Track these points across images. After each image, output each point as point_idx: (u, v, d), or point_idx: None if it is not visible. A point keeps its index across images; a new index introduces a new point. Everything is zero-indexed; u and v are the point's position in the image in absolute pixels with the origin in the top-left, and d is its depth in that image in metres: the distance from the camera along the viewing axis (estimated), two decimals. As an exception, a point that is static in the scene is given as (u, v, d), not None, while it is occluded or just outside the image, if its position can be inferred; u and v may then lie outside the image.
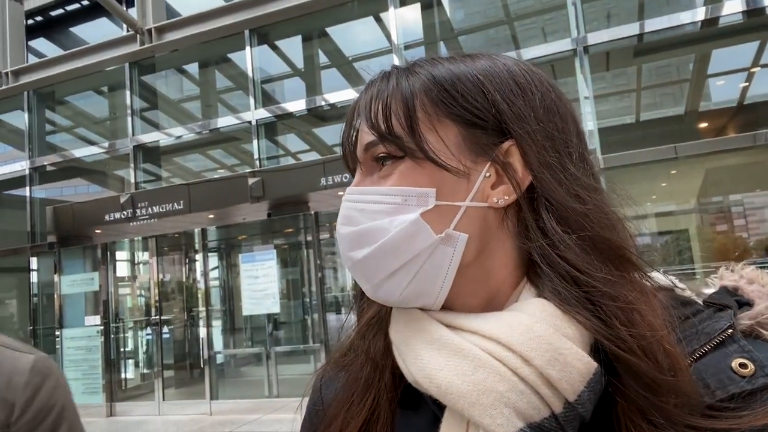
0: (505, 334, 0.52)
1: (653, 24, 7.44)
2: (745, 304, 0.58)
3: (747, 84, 8.40)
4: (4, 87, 10.42)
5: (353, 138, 0.65)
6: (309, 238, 8.97)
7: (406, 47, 8.86)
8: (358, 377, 0.66)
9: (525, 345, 0.50)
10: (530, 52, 7.89)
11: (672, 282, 0.62)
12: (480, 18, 9.91)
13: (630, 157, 7.27)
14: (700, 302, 0.60)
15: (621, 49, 8.01)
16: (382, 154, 0.60)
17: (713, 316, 0.56)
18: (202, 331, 9.03)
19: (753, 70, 8.14)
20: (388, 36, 9.12)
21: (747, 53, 7.94)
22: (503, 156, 0.58)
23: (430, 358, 0.56)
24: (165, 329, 9.67)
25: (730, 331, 0.54)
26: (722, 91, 9.09)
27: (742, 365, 0.51)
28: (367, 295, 0.63)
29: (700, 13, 7.25)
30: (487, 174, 0.58)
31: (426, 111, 0.59)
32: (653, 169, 7.67)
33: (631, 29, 7.57)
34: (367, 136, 0.61)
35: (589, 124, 7.55)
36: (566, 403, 0.49)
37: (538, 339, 0.50)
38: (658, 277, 0.61)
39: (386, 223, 0.58)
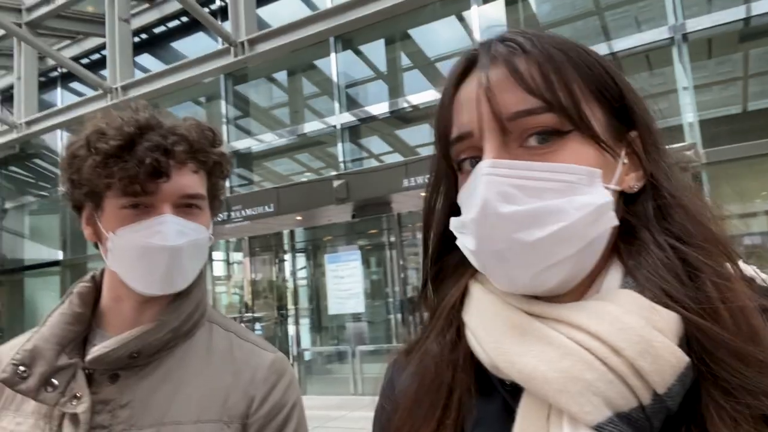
0: (594, 323, 0.52)
1: (761, 6, 6.82)
2: None
3: None
4: (114, 101, 11.39)
5: (470, 98, 0.59)
6: (392, 238, 9.06)
7: (489, 45, 8.71)
8: (430, 364, 0.66)
9: (615, 335, 0.50)
10: (622, 43, 7.51)
11: (756, 272, 0.60)
12: (568, 10, 9.55)
13: (736, 150, 6.71)
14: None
15: (724, 35, 7.41)
16: (542, 126, 0.56)
17: None
18: (291, 329, 9.38)
19: None
20: (470, 34, 9.03)
21: None
22: (634, 144, 0.61)
23: (512, 343, 0.55)
24: (257, 326, 10.14)
25: None
26: None
27: None
28: (507, 284, 0.58)
29: (818, -10, 6.56)
30: (625, 161, 0.60)
31: (579, 86, 0.58)
32: (763, 163, 7.02)
33: (736, 13, 6.99)
34: (520, 102, 0.56)
35: (689, 115, 7.05)
36: (655, 394, 0.49)
37: (629, 330, 0.50)
38: (743, 266, 0.60)
39: (563, 204, 0.54)
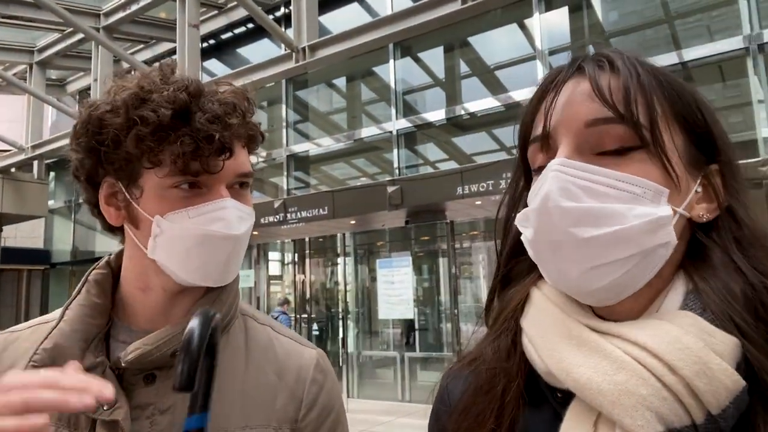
0: (652, 341, 0.53)
1: None
2: None
3: None
4: (183, 103, 11.85)
5: (553, 104, 0.63)
6: (444, 246, 9.01)
7: (551, 53, 8.55)
8: (484, 370, 0.68)
9: (672, 354, 0.51)
10: (693, 52, 7.21)
11: None
12: (636, 18, 9.23)
13: (816, 168, 6.29)
14: None
15: (806, 45, 6.98)
16: (615, 137, 0.59)
17: None
18: (341, 332, 9.48)
19: None
20: (531, 42, 8.88)
21: None
22: (711, 176, 0.62)
23: (569, 352, 0.58)
24: (313, 326, 10.30)
25: None
26: None
27: None
28: (557, 277, 0.61)
29: None
30: (698, 189, 0.61)
31: (663, 109, 0.60)
32: None
33: (820, 22, 6.57)
34: (597, 111, 0.59)
35: (764, 130, 6.67)
36: (708, 415, 0.50)
37: (687, 350, 0.51)
38: None
39: (623, 210, 0.56)
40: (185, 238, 0.82)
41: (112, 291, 0.90)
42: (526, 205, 0.68)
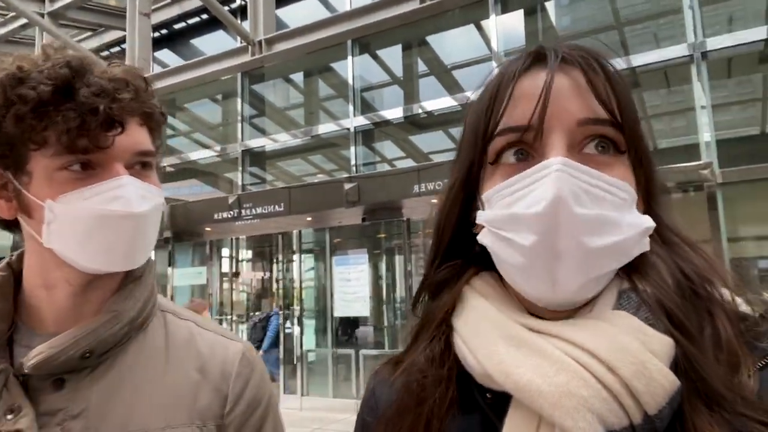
0: (590, 341, 0.52)
1: (784, 27, 6.76)
2: None
3: None
4: (133, 95, 11.47)
5: (542, 95, 0.58)
6: (400, 243, 9.06)
7: (506, 54, 8.71)
8: (415, 378, 0.66)
9: (611, 354, 0.51)
10: (641, 58, 7.47)
11: (730, 296, 0.61)
12: (587, 23, 9.52)
13: (753, 171, 6.64)
14: (757, 317, 0.59)
15: (745, 55, 7.35)
16: (604, 139, 0.57)
17: None
18: (296, 330, 9.39)
19: None
20: (488, 43, 9.02)
21: None
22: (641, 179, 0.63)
23: (507, 354, 0.56)
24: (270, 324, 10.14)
25: None
26: None
27: None
28: (549, 287, 0.55)
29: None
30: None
31: (635, 115, 0.61)
32: (780, 186, 6.95)
33: (757, 34, 6.92)
34: (591, 110, 0.57)
35: (705, 135, 7.00)
36: (645, 415, 0.50)
37: (624, 350, 0.51)
38: (738, 301, 0.61)
39: (617, 218, 0.54)
40: (81, 221, 0.76)
41: (15, 293, 0.84)
42: (475, 203, 0.65)
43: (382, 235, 9.81)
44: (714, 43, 7.12)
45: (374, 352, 9.16)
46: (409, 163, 10.55)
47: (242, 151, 10.92)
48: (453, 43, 10.05)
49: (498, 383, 0.55)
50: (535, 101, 0.57)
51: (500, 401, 0.57)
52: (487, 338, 0.59)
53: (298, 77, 11.68)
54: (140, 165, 0.83)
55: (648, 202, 0.63)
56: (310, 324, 9.94)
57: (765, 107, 8.26)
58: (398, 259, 9.38)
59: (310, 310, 10.17)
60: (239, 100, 11.18)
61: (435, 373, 0.64)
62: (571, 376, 0.51)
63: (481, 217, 0.61)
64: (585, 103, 0.57)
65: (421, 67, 10.37)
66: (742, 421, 0.49)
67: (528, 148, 0.59)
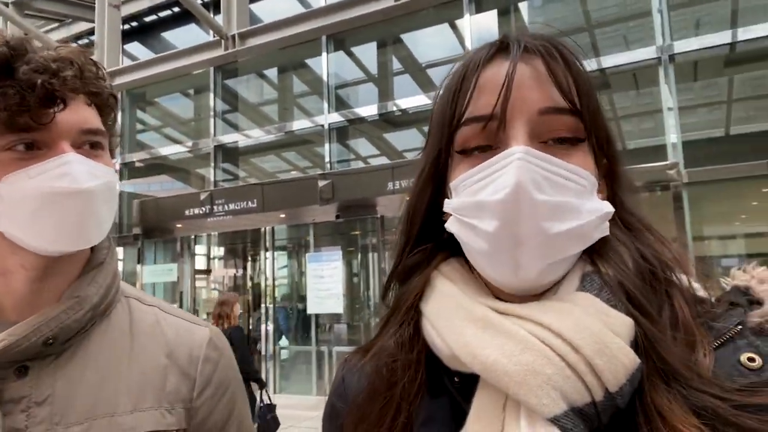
0: (555, 321, 0.54)
1: (747, 32, 6.97)
2: (755, 302, 0.59)
3: None
4: (102, 88, 11.21)
5: (505, 84, 0.59)
6: (374, 241, 9.07)
7: (481, 54, 8.77)
8: (384, 364, 0.67)
9: (575, 334, 0.52)
10: (611, 60, 7.62)
11: (688, 280, 0.64)
12: (559, 24, 9.66)
13: (717, 172, 6.84)
14: (713, 300, 0.62)
15: (710, 59, 7.56)
16: (566, 127, 0.59)
17: (725, 314, 0.58)
18: (269, 327, 9.33)
19: None
20: (462, 42, 9.08)
21: None
22: (605, 166, 0.64)
23: (474, 335, 0.57)
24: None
25: (740, 327, 0.56)
26: (825, 105, 8.35)
27: (750, 359, 0.54)
28: (512, 273, 0.57)
29: (802, 21, 6.73)
30: (599, 180, 0.62)
31: (595, 102, 0.62)
32: (743, 186, 7.17)
33: (723, 37, 7.13)
34: (552, 99, 0.59)
35: (672, 136, 7.18)
36: (607, 392, 0.51)
37: (587, 330, 0.52)
38: (696, 286, 0.64)
39: (577, 204, 0.56)
40: (28, 200, 0.76)
41: None
42: (443, 191, 0.66)
43: (357, 233, 9.80)
44: (681, 46, 7.30)
45: (348, 348, 9.15)
46: (383, 160, 10.56)
47: (215, 146, 10.77)
48: (428, 42, 10.09)
49: (465, 364, 0.57)
50: (498, 91, 0.59)
51: (468, 384, 0.58)
52: (454, 321, 0.60)
53: (272, 73, 11.57)
54: (89, 145, 0.83)
55: (612, 188, 0.65)
56: (283, 321, 9.88)
57: (729, 110, 8.52)
58: (372, 257, 9.38)
59: (284, 307, 10.11)
60: (212, 95, 11.02)
61: (404, 357, 0.65)
62: (535, 356, 0.52)
63: (448, 205, 0.63)
64: (546, 92, 0.59)
65: (396, 65, 10.39)
66: (698, 397, 0.51)
67: (492, 137, 0.60)
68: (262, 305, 9.86)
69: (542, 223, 0.54)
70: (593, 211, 0.57)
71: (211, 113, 10.97)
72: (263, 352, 9.42)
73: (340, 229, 9.78)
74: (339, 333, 9.63)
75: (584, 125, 0.59)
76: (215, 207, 9.03)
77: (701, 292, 0.63)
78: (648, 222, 0.65)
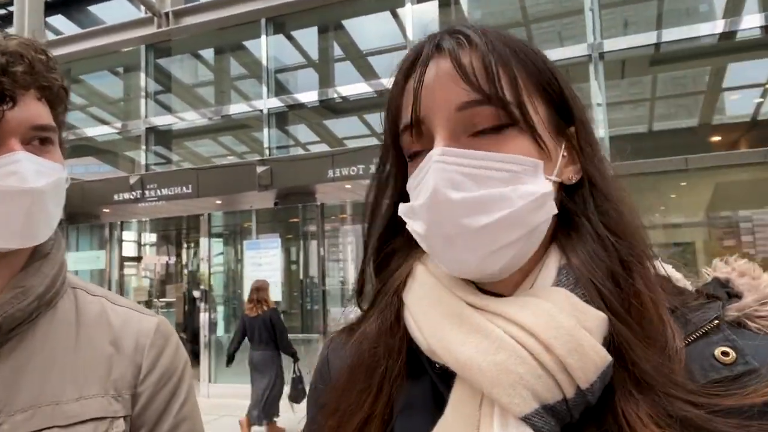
0: (529, 320, 0.54)
1: (671, 34, 7.39)
2: (734, 296, 0.60)
3: (762, 100, 8.33)
4: (20, 62, 10.47)
5: (420, 89, 0.60)
6: (314, 228, 9.01)
7: (422, 44, 8.84)
8: (366, 347, 0.68)
9: (548, 333, 0.53)
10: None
11: (669, 271, 0.65)
12: (497, 18, 9.87)
13: (640, 166, 7.23)
14: (693, 292, 0.62)
15: (637, 58, 7.97)
16: (486, 118, 0.58)
17: (703, 307, 0.59)
18: (203, 316, 9.09)
19: (769, 85, 8.08)
20: (403, 31, 9.11)
21: (763, 69, 7.88)
22: (571, 138, 0.64)
23: (450, 331, 0.58)
24: (167, 311, 9.74)
25: (717, 321, 0.57)
26: (736, 106, 9.02)
27: (724, 353, 0.54)
28: (456, 267, 0.60)
29: (718, 26, 7.20)
30: (564, 154, 0.62)
31: (524, 82, 0.60)
32: (663, 180, 7.64)
33: (649, 38, 7.52)
34: (464, 94, 0.58)
35: (601, 131, 7.53)
36: (578, 389, 0.52)
37: (561, 329, 0.53)
38: (658, 265, 0.64)
39: (508, 192, 0.56)
40: None
41: None
42: (398, 189, 0.69)
43: (296, 220, 9.69)
44: (610, 44, 7.64)
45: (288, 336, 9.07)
46: (323, 147, 10.48)
47: (146, 128, 10.31)
48: (369, 30, 10.05)
49: (441, 359, 0.58)
50: (419, 97, 0.61)
51: (447, 370, 0.59)
52: (432, 315, 0.61)
53: (208, 54, 11.17)
54: (39, 141, 0.83)
55: (581, 163, 0.64)
56: (219, 310, 9.65)
57: (653, 107, 9.03)
58: (312, 244, 9.31)
59: (220, 295, 9.87)
60: (143, 75, 10.52)
61: (386, 342, 0.66)
62: (509, 354, 0.53)
63: (399, 210, 0.65)
64: (459, 88, 0.59)
65: (337, 51, 10.29)
66: (667, 401, 0.52)
67: (424, 141, 0.62)
68: (196, 293, 9.59)
69: (462, 221, 0.56)
70: (527, 195, 0.56)
71: (142, 93, 10.48)
72: (200, 342, 9.18)
73: (279, 217, 9.64)
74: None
75: (508, 111, 0.58)
76: (146, 192, 8.67)
77: (681, 283, 0.63)
78: (620, 196, 0.63)
